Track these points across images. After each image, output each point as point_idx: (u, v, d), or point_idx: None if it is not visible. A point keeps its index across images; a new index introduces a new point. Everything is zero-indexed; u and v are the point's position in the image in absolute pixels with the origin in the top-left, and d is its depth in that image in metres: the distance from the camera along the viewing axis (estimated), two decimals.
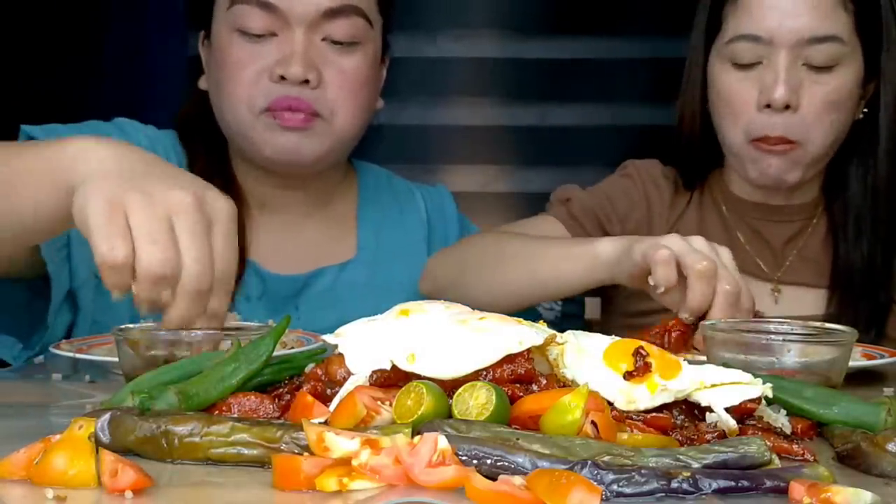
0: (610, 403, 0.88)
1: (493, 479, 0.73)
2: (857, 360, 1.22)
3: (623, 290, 1.59)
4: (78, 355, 1.21)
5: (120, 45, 2.62)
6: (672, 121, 1.73)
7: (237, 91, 1.59)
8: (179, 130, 1.71)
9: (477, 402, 0.84)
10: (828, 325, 1.17)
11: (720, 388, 0.91)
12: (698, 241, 1.28)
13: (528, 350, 0.91)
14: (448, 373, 0.89)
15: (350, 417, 0.85)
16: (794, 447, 0.85)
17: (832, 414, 0.94)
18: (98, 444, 0.79)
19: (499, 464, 0.76)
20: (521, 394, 0.88)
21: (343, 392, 0.90)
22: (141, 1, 2.64)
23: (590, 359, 0.93)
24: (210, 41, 1.65)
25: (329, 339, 0.99)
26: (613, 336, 0.98)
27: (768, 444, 0.81)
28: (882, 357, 1.24)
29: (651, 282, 1.26)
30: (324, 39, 1.59)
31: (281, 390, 0.96)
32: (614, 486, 0.74)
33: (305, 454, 0.78)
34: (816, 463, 0.83)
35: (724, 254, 1.28)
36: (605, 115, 2.72)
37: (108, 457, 0.75)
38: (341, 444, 0.77)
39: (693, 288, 1.22)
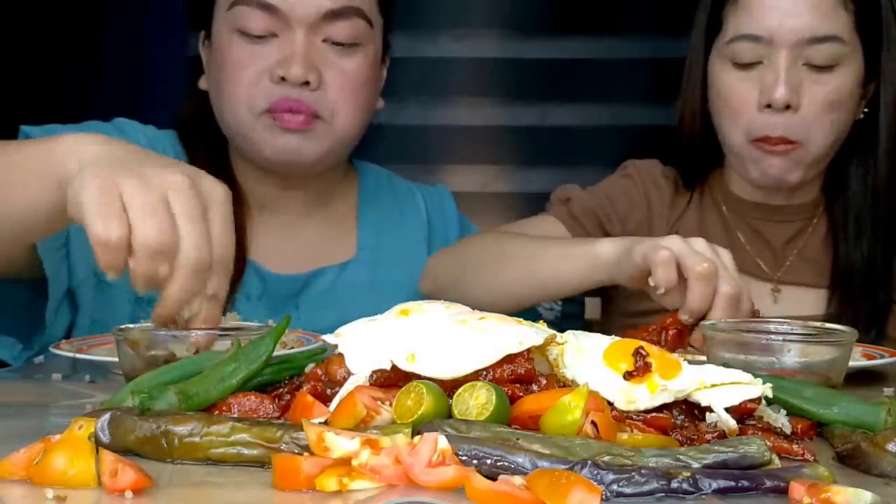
0: (610, 403, 0.88)
1: (493, 479, 0.73)
2: (857, 360, 1.22)
3: (623, 290, 1.59)
4: (78, 355, 1.21)
5: (120, 45, 2.62)
6: (672, 121, 1.73)
7: (237, 92, 1.59)
8: (179, 130, 1.71)
9: (477, 402, 0.84)
10: (828, 325, 1.17)
11: (720, 388, 0.91)
12: (699, 243, 1.28)
13: (528, 350, 0.91)
14: (448, 373, 0.89)
15: (350, 417, 0.85)
16: (794, 447, 0.86)
17: (832, 414, 0.94)
18: (98, 444, 0.79)
19: (499, 464, 0.76)
20: (521, 394, 0.88)
21: (343, 392, 0.90)
22: (141, 1, 2.64)
23: (590, 359, 0.93)
24: (210, 41, 1.65)
25: (329, 339, 0.99)
26: (613, 336, 0.98)
27: (768, 444, 0.81)
28: (882, 357, 1.24)
29: (651, 283, 1.26)
30: (324, 41, 1.59)
31: (281, 390, 0.96)
32: (614, 486, 0.74)
33: (305, 454, 0.78)
34: (816, 463, 0.83)
35: (725, 255, 1.28)
36: (605, 115, 2.72)
37: (108, 457, 0.75)
38: (341, 444, 0.77)
39: (693, 290, 1.22)
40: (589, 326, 1.83)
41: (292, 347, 1.21)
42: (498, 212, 2.51)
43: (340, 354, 0.95)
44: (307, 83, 1.56)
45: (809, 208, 1.69)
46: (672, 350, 1.14)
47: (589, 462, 0.75)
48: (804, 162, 1.58)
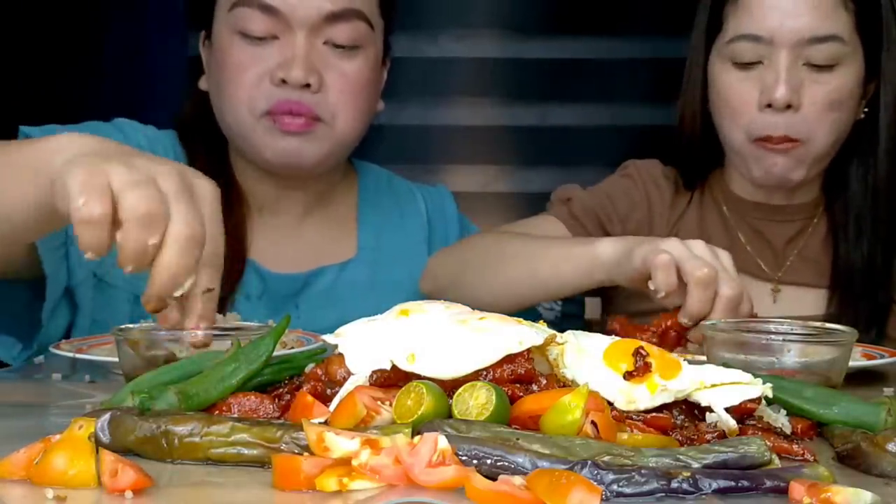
0: (610, 403, 0.88)
1: (493, 479, 0.73)
2: (857, 360, 1.22)
3: (623, 290, 1.59)
4: (78, 355, 1.21)
5: (120, 45, 2.62)
6: (672, 121, 1.73)
7: (238, 93, 1.59)
8: (179, 130, 1.71)
9: (477, 402, 0.84)
10: (828, 325, 1.17)
11: (720, 388, 0.91)
12: (698, 246, 1.28)
13: (528, 350, 0.91)
14: (448, 373, 0.89)
15: (350, 417, 0.85)
16: (794, 447, 0.86)
17: (832, 414, 0.94)
18: (98, 444, 0.79)
19: (499, 464, 0.76)
20: (521, 394, 0.88)
21: (343, 392, 0.90)
22: (141, 1, 2.64)
23: (590, 359, 0.93)
24: (211, 42, 1.65)
25: (329, 339, 0.98)
26: (613, 336, 0.98)
27: (768, 444, 0.81)
28: (882, 357, 1.24)
29: (651, 286, 1.26)
30: (325, 43, 1.59)
31: (281, 390, 0.96)
32: (614, 486, 0.74)
33: (305, 454, 0.78)
34: (816, 463, 0.83)
35: (724, 257, 1.28)
36: (605, 115, 2.72)
37: (108, 457, 0.75)
38: (341, 444, 0.77)
39: (692, 294, 1.22)
40: (589, 326, 1.83)
41: (292, 347, 1.21)
42: (498, 212, 2.51)
43: (340, 354, 0.95)
44: (308, 85, 1.56)
45: (810, 208, 1.69)
46: (671, 350, 1.14)
47: (589, 462, 0.75)
48: (807, 159, 1.58)
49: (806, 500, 0.72)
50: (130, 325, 1.10)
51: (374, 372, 0.91)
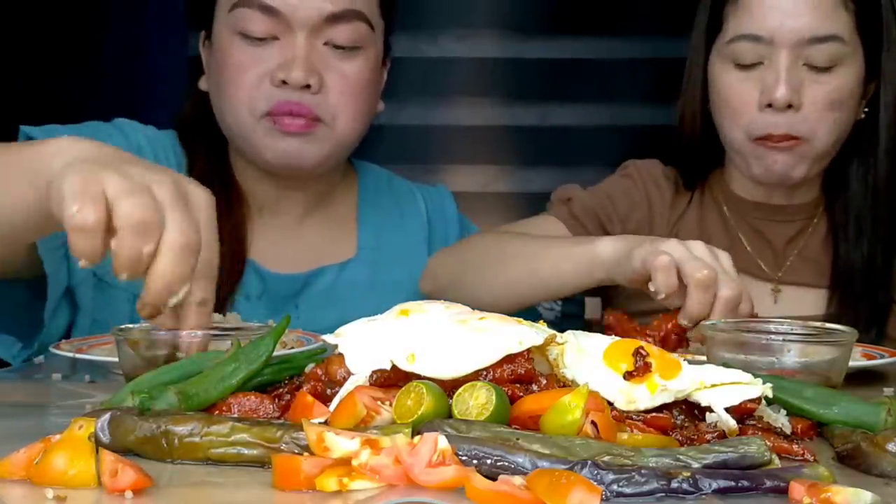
0: (610, 403, 0.88)
1: (493, 479, 0.73)
2: (857, 360, 1.22)
3: (623, 290, 1.59)
4: (78, 355, 1.21)
5: (120, 45, 2.62)
6: (672, 121, 1.73)
7: (238, 94, 1.59)
8: (179, 131, 1.71)
9: (477, 402, 0.84)
10: (828, 325, 1.17)
11: (720, 388, 0.91)
12: (698, 247, 1.28)
13: (528, 350, 0.91)
14: (448, 373, 0.89)
15: (350, 417, 0.85)
16: (794, 447, 0.86)
17: (832, 414, 0.94)
18: (98, 444, 0.79)
19: (499, 464, 0.76)
20: (521, 394, 0.88)
21: (343, 392, 0.90)
22: (141, 1, 2.64)
23: (590, 359, 0.93)
24: (211, 42, 1.64)
25: (329, 339, 0.99)
26: (613, 336, 0.98)
27: (768, 444, 0.81)
28: (882, 357, 1.24)
29: (651, 288, 1.26)
30: (326, 44, 1.59)
31: (281, 390, 0.96)
32: (614, 486, 0.74)
33: (305, 454, 0.78)
34: (816, 463, 0.83)
35: (724, 258, 1.28)
36: (605, 115, 2.72)
37: (108, 457, 0.75)
38: (341, 444, 0.77)
39: (692, 296, 1.22)
40: (589, 326, 1.83)
41: (292, 347, 1.21)
42: (498, 212, 2.51)
43: (340, 354, 0.95)
44: (308, 87, 1.56)
45: (810, 208, 1.69)
46: (672, 351, 1.14)
47: (589, 462, 0.75)
48: (809, 156, 1.58)
49: (806, 500, 0.72)
50: (130, 325, 1.10)
51: (374, 372, 0.91)
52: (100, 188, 0.96)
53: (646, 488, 0.74)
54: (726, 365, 0.96)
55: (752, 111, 1.57)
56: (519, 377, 0.89)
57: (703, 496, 0.75)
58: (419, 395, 0.84)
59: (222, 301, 1.56)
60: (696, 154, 1.71)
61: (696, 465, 0.78)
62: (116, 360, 1.09)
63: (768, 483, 0.76)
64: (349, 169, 1.80)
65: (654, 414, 0.89)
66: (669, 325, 1.23)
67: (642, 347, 0.92)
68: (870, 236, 1.63)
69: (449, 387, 0.87)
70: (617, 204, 1.71)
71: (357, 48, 1.60)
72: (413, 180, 1.90)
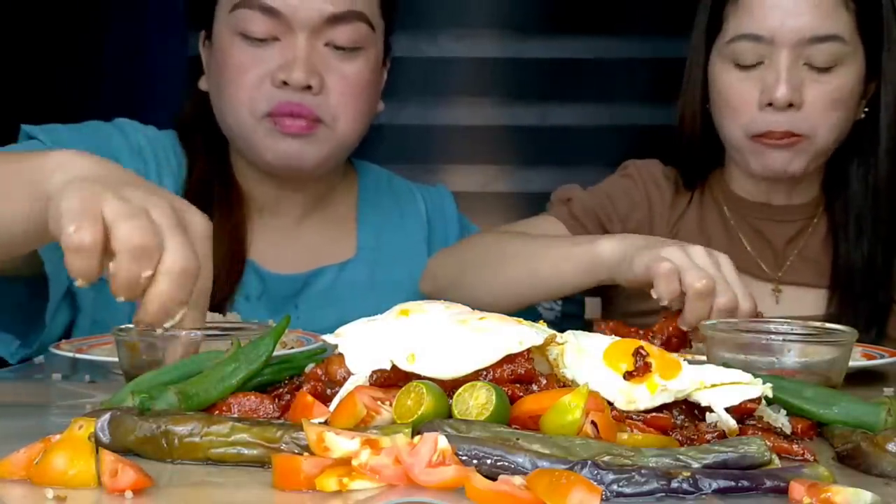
0: (610, 403, 0.88)
1: (493, 479, 0.73)
2: (857, 360, 1.22)
3: (623, 290, 1.59)
4: (78, 355, 1.21)
5: (120, 45, 2.62)
6: (672, 121, 1.73)
7: (239, 95, 1.58)
8: (179, 131, 1.71)
9: (477, 402, 0.84)
10: (828, 325, 1.17)
11: (720, 388, 0.91)
12: (698, 254, 1.27)
13: (528, 350, 0.91)
14: (448, 373, 0.89)
15: (350, 417, 0.85)
16: (794, 447, 0.86)
17: (832, 414, 0.94)
18: (98, 444, 0.79)
19: (499, 464, 0.76)
20: (521, 394, 0.88)
21: (343, 392, 0.90)
22: (141, 1, 2.64)
23: (590, 359, 0.93)
24: (211, 42, 1.64)
25: (329, 339, 0.99)
26: (613, 336, 0.98)
27: (768, 444, 0.81)
28: (882, 357, 1.24)
29: (654, 295, 1.26)
30: (326, 45, 1.58)
31: (281, 390, 0.96)
32: (614, 486, 0.74)
33: (305, 454, 0.78)
34: (816, 463, 0.83)
35: (724, 263, 1.28)
36: (605, 115, 2.72)
37: (108, 457, 0.75)
38: (341, 444, 0.77)
39: (690, 306, 1.23)
40: (589, 326, 1.83)
41: (292, 347, 1.21)
42: (498, 212, 2.52)
43: (340, 354, 0.95)
44: (309, 87, 1.56)
45: (810, 208, 1.69)
46: (674, 352, 1.14)
47: (589, 462, 0.75)
48: (808, 152, 1.58)
49: (806, 500, 0.73)
50: (130, 325, 1.09)
51: (374, 372, 0.91)
52: (98, 209, 0.96)
53: (646, 488, 0.74)
54: (726, 365, 0.96)
55: (752, 110, 1.57)
56: (519, 377, 0.89)
57: (703, 496, 0.75)
58: (419, 395, 0.84)
59: (222, 301, 1.56)
60: (696, 154, 1.71)
61: (696, 465, 0.78)
62: (116, 360, 1.09)
63: (768, 483, 0.76)
64: (349, 169, 1.80)
65: (654, 414, 0.89)
66: (671, 329, 1.23)
67: (642, 347, 0.92)
68: (870, 236, 1.63)
69: (449, 387, 0.87)
70: (617, 204, 1.71)
71: (358, 49, 1.60)
72: (413, 180, 1.90)
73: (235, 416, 0.90)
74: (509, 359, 0.90)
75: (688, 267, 1.24)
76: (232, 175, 1.67)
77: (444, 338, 0.92)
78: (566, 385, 0.92)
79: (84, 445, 0.76)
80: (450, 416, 0.85)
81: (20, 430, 0.95)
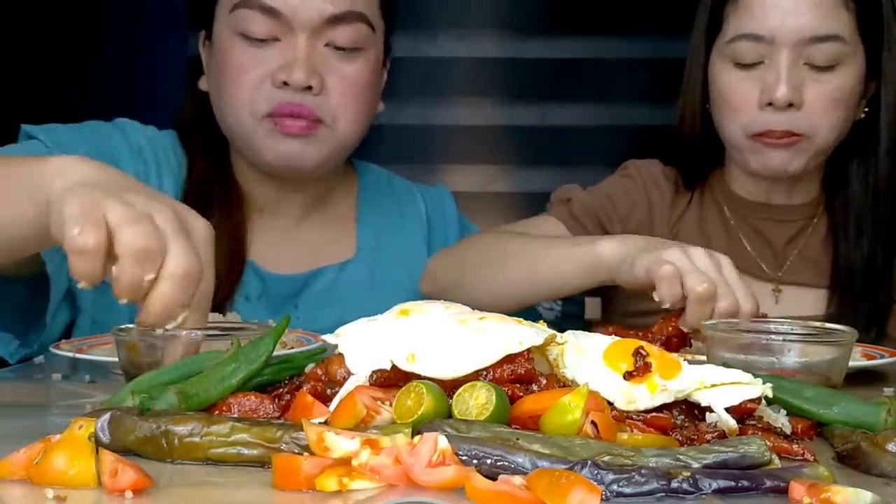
0: (610, 403, 0.88)
1: (493, 479, 0.73)
2: (857, 360, 1.22)
3: (623, 290, 1.59)
4: (78, 355, 1.21)
5: (120, 45, 2.62)
6: (672, 121, 1.73)
7: (239, 95, 1.58)
8: (179, 131, 1.71)
9: (477, 402, 0.84)
10: (828, 325, 1.17)
11: (720, 388, 0.91)
12: (699, 256, 1.27)
13: (528, 350, 0.91)
14: (448, 373, 0.89)
15: (350, 417, 0.85)
16: (794, 447, 0.86)
17: (832, 414, 0.94)
18: (98, 444, 0.79)
19: (499, 464, 0.76)
20: (521, 394, 0.88)
21: (343, 392, 0.90)
22: (141, 1, 2.64)
23: (590, 359, 0.93)
24: (211, 42, 1.64)
25: (329, 339, 0.99)
26: (613, 336, 0.98)
27: (768, 444, 0.81)
28: (882, 357, 1.24)
29: (656, 297, 1.26)
30: (327, 45, 1.58)
31: (281, 390, 0.96)
32: (614, 486, 0.74)
33: (305, 454, 0.78)
34: (816, 463, 0.83)
35: (725, 264, 1.28)
36: (605, 115, 2.72)
37: (108, 457, 0.75)
38: (341, 444, 0.77)
39: (691, 309, 1.23)
40: (589, 326, 1.83)
41: (292, 347, 1.21)
42: (498, 212, 2.52)
43: (340, 354, 0.95)
44: (309, 88, 1.56)
45: (810, 208, 1.69)
46: (675, 352, 1.14)
47: (589, 462, 0.75)
48: (808, 152, 1.58)
49: (806, 500, 0.72)
50: (130, 326, 1.09)
51: (374, 372, 0.91)
52: (101, 214, 0.97)
53: (646, 488, 0.74)
54: (726, 365, 0.96)
55: (752, 110, 1.57)
56: (519, 377, 0.89)
57: (703, 496, 0.75)
58: (419, 395, 0.84)
59: (222, 301, 1.56)
60: (696, 154, 1.71)
61: (696, 465, 0.78)
62: (116, 360, 1.09)
63: (768, 483, 0.76)
64: (349, 169, 1.80)
65: (654, 414, 0.89)
66: (671, 329, 1.23)
67: (642, 347, 0.92)
68: (870, 236, 1.63)
69: (449, 387, 0.87)
70: (617, 204, 1.71)
71: (358, 49, 1.60)
72: (413, 180, 1.90)
73: (235, 416, 0.90)
74: (509, 359, 0.90)
75: (689, 270, 1.24)
76: (232, 175, 1.67)
77: (444, 338, 0.92)
78: (566, 385, 0.92)
79: (84, 445, 0.76)
80: (450, 416, 0.85)
81: (20, 430, 0.95)
